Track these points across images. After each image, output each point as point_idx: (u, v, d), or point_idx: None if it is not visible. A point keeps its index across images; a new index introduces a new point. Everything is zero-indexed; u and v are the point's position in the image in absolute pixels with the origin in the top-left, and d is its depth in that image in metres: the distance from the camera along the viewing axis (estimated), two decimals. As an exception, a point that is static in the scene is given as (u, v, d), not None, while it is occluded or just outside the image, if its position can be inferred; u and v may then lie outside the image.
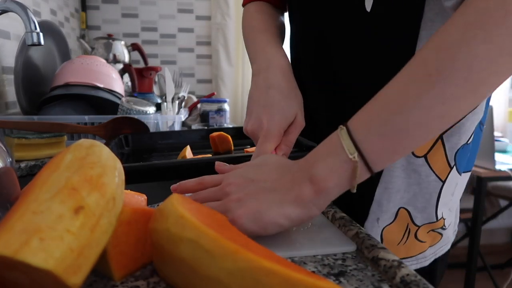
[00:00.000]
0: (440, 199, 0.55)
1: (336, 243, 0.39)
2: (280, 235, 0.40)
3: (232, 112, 2.05)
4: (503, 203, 2.23)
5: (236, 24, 2.03)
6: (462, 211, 2.04)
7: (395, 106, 0.34)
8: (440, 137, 0.52)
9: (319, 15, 0.58)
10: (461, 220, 2.06)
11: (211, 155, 0.71)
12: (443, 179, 0.54)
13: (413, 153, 0.53)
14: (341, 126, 0.37)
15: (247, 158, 0.61)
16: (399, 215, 0.56)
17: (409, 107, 0.34)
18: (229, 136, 0.76)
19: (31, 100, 1.01)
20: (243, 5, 0.71)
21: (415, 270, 0.56)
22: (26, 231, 0.24)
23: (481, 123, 0.57)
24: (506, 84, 2.22)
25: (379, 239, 0.56)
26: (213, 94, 1.72)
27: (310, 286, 0.25)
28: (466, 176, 0.59)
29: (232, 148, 0.76)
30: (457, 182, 0.57)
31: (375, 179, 0.54)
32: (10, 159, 0.36)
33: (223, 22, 2.01)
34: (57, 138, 0.80)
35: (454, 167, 0.55)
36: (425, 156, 0.53)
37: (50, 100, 1.00)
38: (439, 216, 0.57)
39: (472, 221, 1.71)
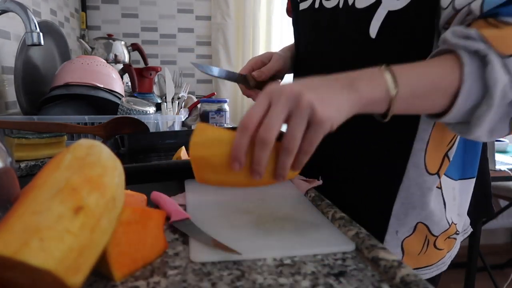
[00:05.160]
0: (446, 205, 0.59)
1: (335, 242, 0.39)
2: (280, 234, 0.40)
3: (232, 112, 2.05)
4: (503, 203, 2.22)
5: (236, 24, 2.02)
6: (462, 211, 2.05)
7: (426, 82, 0.43)
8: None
9: (321, 39, 0.62)
10: (461, 220, 2.07)
11: None
12: (439, 186, 0.58)
13: (427, 171, 0.56)
14: (385, 66, 0.42)
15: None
16: (418, 228, 0.58)
17: (434, 85, 0.42)
18: None
19: (31, 100, 1.01)
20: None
21: (429, 278, 0.61)
22: (26, 231, 0.24)
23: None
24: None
25: (399, 249, 0.59)
26: (213, 94, 1.72)
27: None
28: (466, 183, 0.63)
29: None
30: (454, 187, 0.60)
31: (392, 195, 0.57)
32: (10, 159, 0.36)
33: (223, 22, 2.01)
34: (57, 138, 0.80)
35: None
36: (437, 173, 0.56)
37: (50, 100, 1.00)
38: (450, 222, 0.60)
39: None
